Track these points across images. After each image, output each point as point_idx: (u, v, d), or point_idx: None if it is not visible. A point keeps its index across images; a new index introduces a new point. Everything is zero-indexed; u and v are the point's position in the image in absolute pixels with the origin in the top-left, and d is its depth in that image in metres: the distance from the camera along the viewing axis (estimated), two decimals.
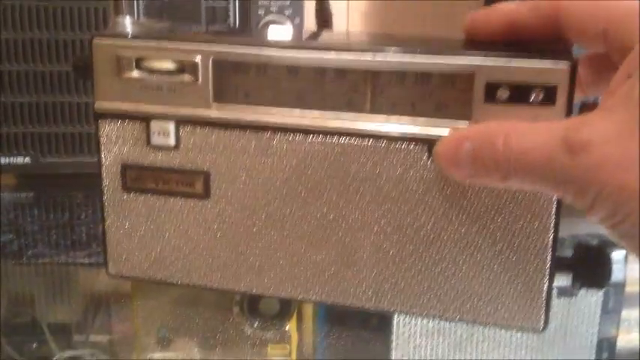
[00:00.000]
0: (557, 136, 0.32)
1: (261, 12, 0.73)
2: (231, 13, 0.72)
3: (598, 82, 0.43)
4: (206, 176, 0.44)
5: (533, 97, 0.38)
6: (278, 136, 0.42)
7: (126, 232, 0.46)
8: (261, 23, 0.73)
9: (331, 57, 0.41)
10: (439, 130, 0.40)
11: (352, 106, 0.42)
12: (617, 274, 0.51)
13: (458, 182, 0.40)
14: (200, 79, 0.42)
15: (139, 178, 0.45)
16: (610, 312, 0.69)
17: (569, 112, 0.38)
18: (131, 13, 0.69)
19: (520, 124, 0.35)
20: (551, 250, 0.41)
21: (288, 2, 0.73)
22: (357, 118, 0.41)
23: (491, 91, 0.39)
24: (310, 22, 0.79)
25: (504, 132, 0.34)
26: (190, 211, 0.45)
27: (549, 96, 0.38)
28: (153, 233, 0.46)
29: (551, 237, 0.40)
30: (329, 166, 0.42)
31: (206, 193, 0.44)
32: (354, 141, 0.42)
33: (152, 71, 0.43)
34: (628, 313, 0.70)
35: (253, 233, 0.44)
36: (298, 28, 0.72)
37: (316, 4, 0.79)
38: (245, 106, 0.43)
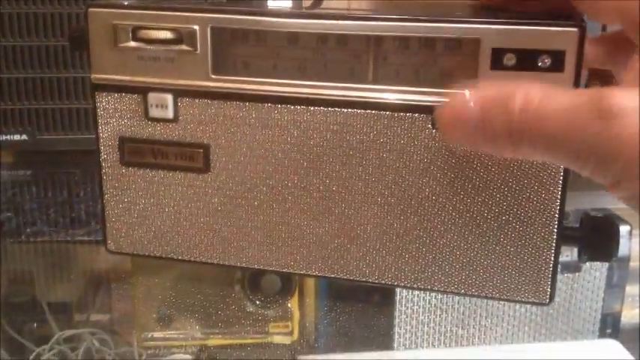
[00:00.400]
0: (586, 101, 0.29)
1: None
2: None
3: (612, 61, 0.42)
4: (205, 149, 0.43)
5: (540, 63, 0.37)
6: (279, 108, 0.42)
7: (125, 207, 0.46)
8: None
9: (332, 23, 0.40)
10: (442, 98, 0.39)
11: (354, 75, 0.41)
12: (622, 249, 0.50)
13: (463, 151, 0.40)
14: (198, 49, 0.41)
15: (137, 151, 0.44)
16: (614, 287, 0.69)
17: (577, 80, 0.37)
18: None
19: (540, 85, 0.31)
20: (558, 222, 0.40)
21: None
22: (359, 87, 0.41)
23: (497, 57, 0.38)
24: None
25: (522, 93, 0.31)
26: (190, 185, 0.44)
27: (557, 62, 0.37)
28: (152, 208, 0.45)
29: (558, 208, 0.40)
30: (331, 137, 0.41)
31: (206, 167, 0.44)
32: (356, 111, 0.41)
33: (149, 41, 0.42)
34: (631, 289, 0.70)
35: (254, 207, 0.44)
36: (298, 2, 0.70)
37: None
38: (245, 77, 0.42)
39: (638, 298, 0.71)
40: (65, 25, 0.75)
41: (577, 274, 0.67)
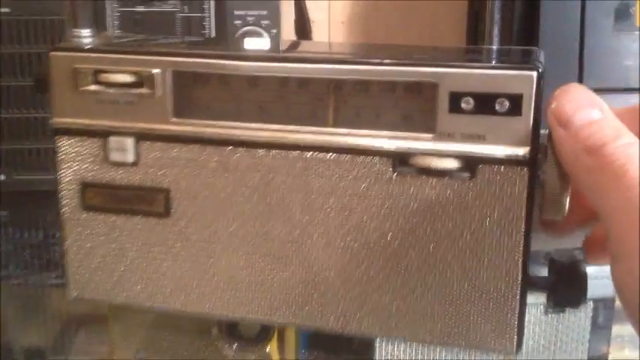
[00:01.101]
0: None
1: (237, 22, 0.73)
2: (207, 25, 0.72)
3: None
4: (166, 194, 0.43)
5: (498, 107, 0.38)
6: (240, 151, 0.42)
7: (86, 253, 0.46)
8: (238, 34, 0.73)
9: (292, 67, 0.40)
10: (403, 142, 0.40)
11: (315, 118, 0.42)
12: (604, 290, 0.50)
13: (425, 196, 0.40)
14: (159, 92, 0.42)
15: (98, 196, 0.45)
16: (600, 328, 0.68)
17: (536, 125, 0.38)
18: (101, 26, 0.69)
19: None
20: (522, 268, 0.40)
21: (265, 12, 0.73)
22: (320, 131, 0.41)
23: (455, 101, 0.38)
24: (289, 34, 0.79)
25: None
26: (152, 231, 0.44)
27: (515, 105, 0.37)
28: (114, 254, 0.45)
29: (522, 253, 0.40)
30: (292, 181, 0.42)
31: (166, 211, 0.44)
32: (317, 155, 0.41)
33: (109, 85, 0.42)
34: (619, 329, 0.69)
35: (216, 252, 0.44)
36: (275, 40, 0.71)
37: (295, 14, 0.79)
38: (206, 120, 0.42)
39: (627, 339, 0.70)
40: (33, 65, 0.76)
41: (561, 314, 0.66)
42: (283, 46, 0.48)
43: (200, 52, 0.42)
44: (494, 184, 0.39)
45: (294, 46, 0.54)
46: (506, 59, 0.40)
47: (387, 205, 0.41)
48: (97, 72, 0.43)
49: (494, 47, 0.58)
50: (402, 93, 0.40)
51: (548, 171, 0.38)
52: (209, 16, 0.72)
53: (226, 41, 0.70)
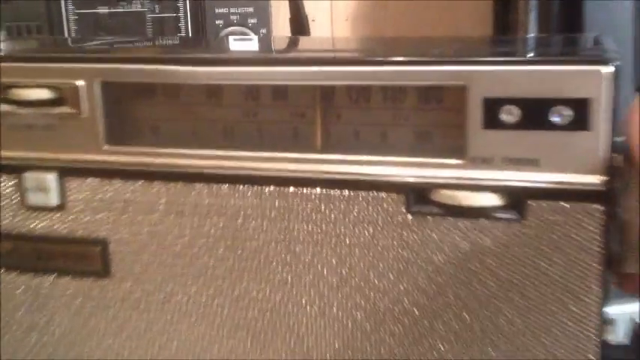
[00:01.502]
0: None
1: (219, 22, 0.62)
2: (182, 26, 0.61)
3: None
4: (103, 246, 0.33)
5: (554, 118, 0.27)
6: (197, 188, 0.31)
7: (6, 325, 0.35)
8: (221, 35, 0.62)
9: (264, 71, 0.30)
10: (421, 171, 0.29)
11: (298, 141, 0.31)
12: None
13: (452, 248, 0.29)
14: (85, 112, 0.31)
15: (15, 252, 0.34)
16: None
17: (609, 141, 0.26)
18: (60, 31, 0.59)
19: None
20: (597, 339, 0.29)
21: (251, 9, 0.62)
22: (304, 158, 0.30)
23: (493, 112, 0.27)
24: (281, 32, 0.68)
25: None
26: (86, 296, 0.33)
27: (580, 116, 0.26)
28: (41, 326, 0.35)
29: (595, 321, 0.28)
30: (269, 227, 0.31)
31: (105, 270, 0.33)
32: (302, 191, 0.30)
33: (22, 103, 0.32)
34: None
35: (171, 325, 0.33)
36: (265, 41, 0.61)
37: (291, 12, 0.69)
38: (150, 147, 0.31)
39: None
40: None
41: None
42: (274, 45, 0.37)
43: (139, 56, 0.31)
44: (552, 228, 0.28)
45: (285, 44, 0.44)
46: (561, 50, 0.29)
47: (402, 259, 0.29)
48: (6, 87, 0.32)
49: (534, 35, 0.46)
50: (416, 102, 0.29)
51: (630, 207, 0.27)
52: (184, 16, 0.61)
53: (206, 42, 0.59)
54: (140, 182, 0.32)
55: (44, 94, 0.31)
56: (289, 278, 0.31)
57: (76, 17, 0.60)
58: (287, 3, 0.68)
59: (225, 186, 0.31)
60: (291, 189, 0.30)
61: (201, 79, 0.30)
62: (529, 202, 0.28)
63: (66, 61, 0.31)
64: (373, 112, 0.30)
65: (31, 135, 0.32)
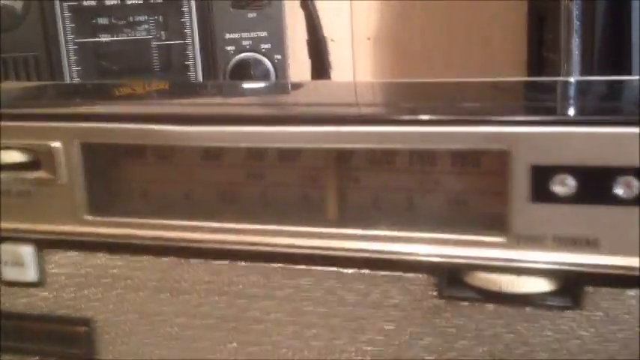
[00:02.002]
0: None
1: (230, 48, 0.58)
2: (190, 53, 0.58)
3: None
4: (88, 327, 0.29)
5: (620, 191, 0.22)
6: (194, 265, 0.27)
7: None
8: (231, 64, 0.58)
9: (269, 131, 0.25)
10: (455, 249, 0.24)
11: (309, 211, 0.26)
12: None
13: (492, 338, 0.24)
14: (63, 177, 0.27)
15: None
16: None
17: None
18: (58, 63, 0.56)
19: None
20: None
21: (264, 34, 0.58)
22: (316, 232, 0.26)
23: (543, 182, 0.23)
24: (300, 60, 0.64)
25: None
26: None
27: None
28: None
29: None
30: (276, 308, 0.26)
31: (90, 352, 0.29)
32: (313, 269, 0.26)
33: None
34: None
35: None
36: (281, 69, 0.57)
37: (308, 31, 0.64)
38: (138, 217, 0.27)
39: None
40: None
41: None
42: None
43: (123, 113, 0.27)
44: (614, 319, 0.23)
45: (298, 89, 0.39)
46: (621, 104, 0.25)
47: (434, 350, 0.25)
48: None
49: (578, 79, 0.41)
50: (449, 166, 0.25)
51: None
52: (192, 43, 0.57)
53: (213, 83, 0.55)
54: (127, 257, 0.27)
55: (17, 156, 0.27)
56: None
57: (76, 47, 0.56)
58: (304, 23, 0.64)
59: (226, 262, 0.27)
60: (301, 267, 0.26)
61: (195, 141, 0.26)
62: (587, 288, 0.23)
63: (40, 119, 0.27)
64: (398, 176, 0.25)
65: (6, 202, 0.28)
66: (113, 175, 0.28)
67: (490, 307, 0.24)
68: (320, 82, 0.53)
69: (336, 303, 0.26)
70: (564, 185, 0.22)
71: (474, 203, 0.25)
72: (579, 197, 0.22)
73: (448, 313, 0.25)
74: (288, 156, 0.26)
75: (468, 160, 0.25)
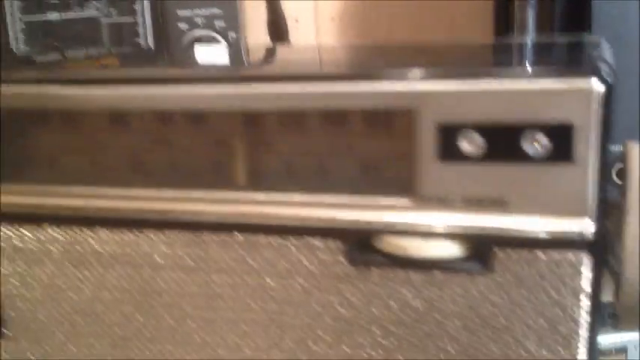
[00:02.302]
0: None
1: (183, 26, 0.57)
2: (141, 30, 0.56)
3: None
4: None
5: (529, 149, 0.21)
6: (99, 233, 0.26)
7: None
8: (185, 42, 0.57)
9: (172, 91, 0.24)
10: (364, 213, 0.23)
11: (219, 175, 0.25)
12: None
13: (403, 306, 0.23)
14: None
15: None
16: None
17: (602, 175, 0.21)
18: (6, 42, 0.54)
19: None
20: None
21: (219, 11, 0.57)
22: (225, 197, 0.25)
23: (450, 141, 0.22)
24: (260, 39, 0.63)
25: None
26: None
27: (560, 145, 0.21)
28: None
29: None
30: (183, 278, 0.25)
31: None
32: (221, 237, 0.25)
33: None
34: None
35: None
36: (236, 46, 0.56)
37: (267, 10, 0.63)
38: (42, 184, 0.26)
39: None
40: None
41: None
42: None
43: (23, 77, 0.26)
44: (526, 283, 0.22)
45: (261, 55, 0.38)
46: (540, 59, 0.24)
47: (342, 318, 0.24)
48: None
49: (528, 40, 0.40)
50: (360, 128, 0.24)
51: (627, 257, 0.21)
52: (143, 21, 0.56)
53: (167, 52, 0.54)
54: (31, 227, 0.26)
55: None
56: (210, 340, 0.26)
57: (24, 26, 0.54)
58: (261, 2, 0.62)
59: (132, 231, 0.25)
60: (208, 235, 0.25)
61: (98, 103, 0.25)
62: (498, 251, 0.22)
63: None
64: (308, 140, 0.24)
65: None
66: (19, 143, 0.27)
67: (400, 273, 0.23)
68: (271, 46, 0.52)
69: (244, 272, 0.25)
70: (471, 143, 0.21)
71: (385, 166, 0.24)
72: (487, 156, 0.21)
73: (358, 281, 0.24)
74: (196, 120, 0.25)
75: (379, 122, 0.23)
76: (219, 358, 0.26)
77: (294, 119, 0.24)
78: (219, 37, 0.57)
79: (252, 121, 0.24)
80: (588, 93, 0.20)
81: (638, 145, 0.22)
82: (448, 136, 0.21)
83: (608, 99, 0.20)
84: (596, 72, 0.20)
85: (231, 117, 0.25)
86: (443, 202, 0.22)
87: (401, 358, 0.24)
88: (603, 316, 0.24)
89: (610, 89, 0.20)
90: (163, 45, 0.58)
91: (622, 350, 0.41)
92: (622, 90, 0.21)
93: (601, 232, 0.21)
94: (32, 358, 0.28)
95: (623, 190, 0.21)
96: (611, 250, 0.22)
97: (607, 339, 0.40)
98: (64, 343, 0.27)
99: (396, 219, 0.23)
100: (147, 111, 0.25)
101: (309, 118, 0.24)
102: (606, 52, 0.24)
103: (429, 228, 0.22)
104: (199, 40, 0.57)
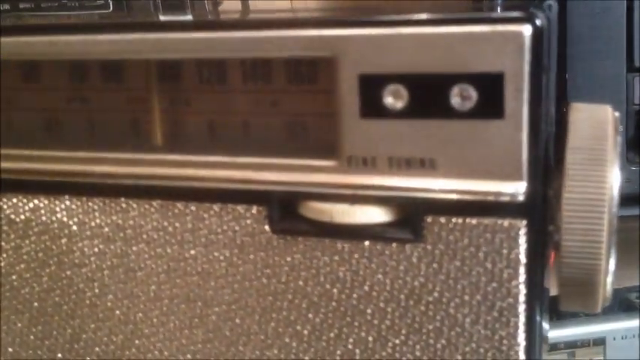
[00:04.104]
0: None
1: None
2: None
3: None
4: None
5: (456, 102, 0.20)
6: (8, 199, 0.25)
7: None
8: None
9: (80, 39, 0.23)
10: (284, 175, 0.22)
11: (136, 137, 0.24)
12: None
13: (328, 277, 0.22)
14: None
15: None
16: None
17: (535, 133, 0.20)
18: None
19: None
20: None
21: None
22: (143, 159, 0.24)
23: (372, 94, 0.21)
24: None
25: None
26: None
27: (490, 98, 0.20)
28: None
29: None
30: (99, 248, 0.25)
31: None
32: (137, 203, 0.24)
33: None
34: None
35: None
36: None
37: None
38: None
39: None
40: None
41: None
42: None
43: None
44: (457, 251, 0.21)
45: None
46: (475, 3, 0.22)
47: (268, 292, 0.23)
48: None
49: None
50: (284, 83, 0.23)
51: (566, 224, 0.20)
52: None
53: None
54: None
55: None
56: (132, 316, 0.25)
57: None
58: None
59: (44, 196, 0.25)
60: (124, 200, 0.24)
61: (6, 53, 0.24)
62: (427, 218, 0.21)
63: None
64: (228, 95, 0.23)
65: None
66: None
67: (326, 242, 0.22)
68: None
69: (163, 241, 0.24)
70: (397, 97, 0.20)
71: (310, 125, 0.23)
72: (413, 111, 0.20)
73: (282, 250, 0.23)
74: (112, 76, 0.24)
75: (304, 75, 0.22)
76: (142, 335, 0.25)
77: (214, 73, 0.23)
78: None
79: (168, 74, 0.24)
80: (520, 38, 0.19)
81: (580, 106, 0.21)
82: (372, 90, 0.20)
83: (539, 44, 0.19)
84: (529, 18, 0.19)
85: (147, 73, 0.24)
86: (367, 163, 0.21)
87: (331, 334, 0.23)
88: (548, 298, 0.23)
89: (539, 33, 0.19)
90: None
91: (600, 342, 0.40)
92: None
93: (536, 196, 0.20)
94: None
95: (562, 154, 0.20)
96: (553, 221, 0.21)
97: (583, 329, 0.39)
98: None
99: (320, 182, 0.22)
100: (60, 62, 0.24)
101: (231, 72, 0.23)
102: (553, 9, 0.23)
103: (354, 192, 0.21)
104: None
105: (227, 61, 0.23)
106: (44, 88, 0.25)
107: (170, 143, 0.24)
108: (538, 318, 0.21)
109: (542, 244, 0.21)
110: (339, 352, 0.23)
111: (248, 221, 0.23)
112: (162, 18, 0.29)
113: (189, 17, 0.29)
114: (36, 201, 0.25)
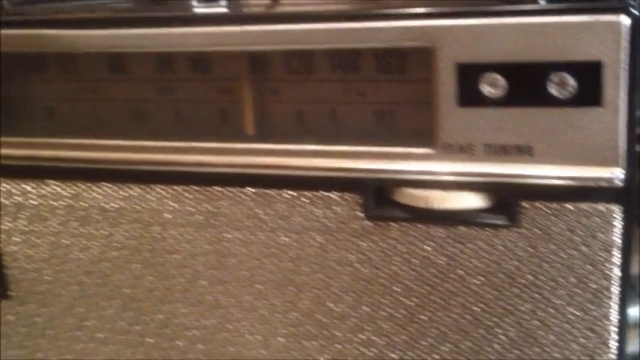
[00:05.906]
0: None
1: None
2: None
3: None
4: None
5: (554, 90, 0.21)
6: (104, 188, 0.27)
7: None
8: None
9: (176, 32, 0.25)
10: (380, 164, 0.24)
11: (225, 125, 0.26)
12: None
13: (424, 262, 0.24)
14: None
15: None
16: None
17: (632, 119, 0.21)
18: None
19: None
20: None
21: None
22: (233, 149, 0.25)
23: (470, 83, 0.22)
24: None
25: None
26: None
27: (588, 86, 0.21)
28: None
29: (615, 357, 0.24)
30: (193, 235, 0.26)
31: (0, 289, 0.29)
32: (229, 191, 0.26)
33: None
34: None
35: (80, 350, 0.29)
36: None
37: None
38: (43, 137, 0.27)
39: None
40: None
41: None
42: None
43: (11, 20, 0.27)
44: (556, 237, 0.23)
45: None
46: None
47: (361, 277, 0.25)
48: None
49: None
50: (373, 73, 0.24)
51: None
52: None
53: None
54: (32, 181, 0.28)
55: None
56: (223, 300, 0.27)
57: None
58: None
59: (137, 185, 0.27)
60: (216, 189, 0.26)
61: (96, 45, 0.26)
62: (523, 203, 0.23)
63: None
64: (318, 85, 0.25)
65: None
66: (16, 93, 0.28)
67: (421, 227, 0.24)
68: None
69: (256, 228, 0.26)
70: (494, 86, 0.22)
71: (401, 114, 0.24)
72: (511, 99, 0.22)
73: (376, 236, 0.24)
74: (200, 67, 0.26)
75: (393, 65, 0.24)
76: (234, 319, 0.27)
77: (302, 63, 0.25)
78: None
79: (258, 65, 0.25)
80: (619, 28, 0.20)
81: None
82: (469, 78, 0.22)
83: (638, 35, 0.20)
84: (626, 8, 0.20)
85: (237, 63, 0.25)
86: (464, 150, 0.23)
87: (424, 317, 0.25)
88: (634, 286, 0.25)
89: (637, 27, 0.20)
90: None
91: None
92: None
93: (632, 181, 0.22)
94: (39, 320, 0.29)
95: None
96: None
97: None
98: (71, 304, 0.29)
99: (415, 169, 0.23)
100: (147, 54, 0.26)
101: (319, 62, 0.25)
102: None
103: (452, 178, 0.23)
104: None
105: (315, 51, 0.25)
106: (131, 79, 0.27)
107: (261, 132, 0.26)
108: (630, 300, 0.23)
109: (633, 226, 0.22)
110: (430, 334, 0.25)
111: (341, 208, 0.25)
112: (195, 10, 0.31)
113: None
114: (129, 189, 0.27)
